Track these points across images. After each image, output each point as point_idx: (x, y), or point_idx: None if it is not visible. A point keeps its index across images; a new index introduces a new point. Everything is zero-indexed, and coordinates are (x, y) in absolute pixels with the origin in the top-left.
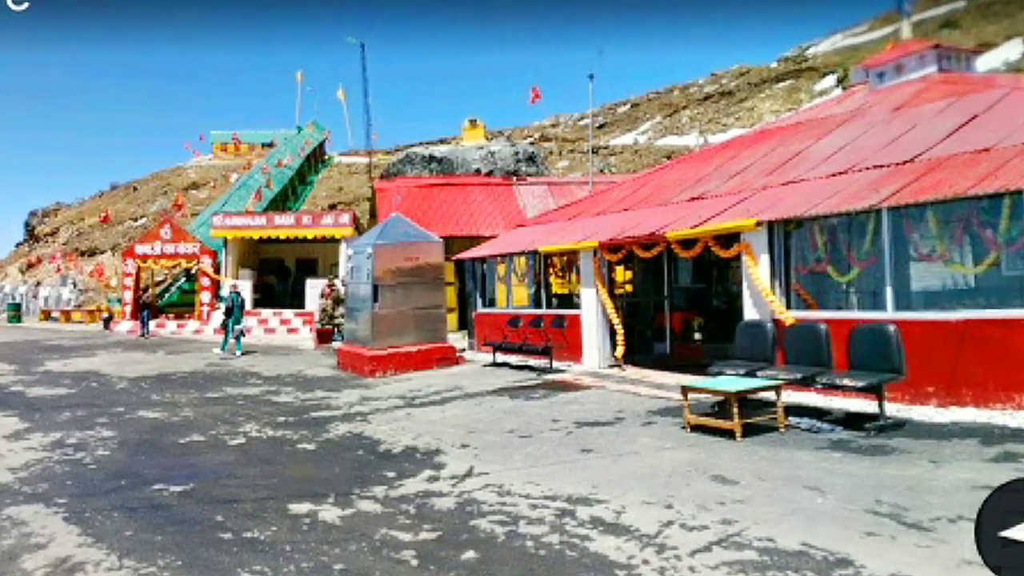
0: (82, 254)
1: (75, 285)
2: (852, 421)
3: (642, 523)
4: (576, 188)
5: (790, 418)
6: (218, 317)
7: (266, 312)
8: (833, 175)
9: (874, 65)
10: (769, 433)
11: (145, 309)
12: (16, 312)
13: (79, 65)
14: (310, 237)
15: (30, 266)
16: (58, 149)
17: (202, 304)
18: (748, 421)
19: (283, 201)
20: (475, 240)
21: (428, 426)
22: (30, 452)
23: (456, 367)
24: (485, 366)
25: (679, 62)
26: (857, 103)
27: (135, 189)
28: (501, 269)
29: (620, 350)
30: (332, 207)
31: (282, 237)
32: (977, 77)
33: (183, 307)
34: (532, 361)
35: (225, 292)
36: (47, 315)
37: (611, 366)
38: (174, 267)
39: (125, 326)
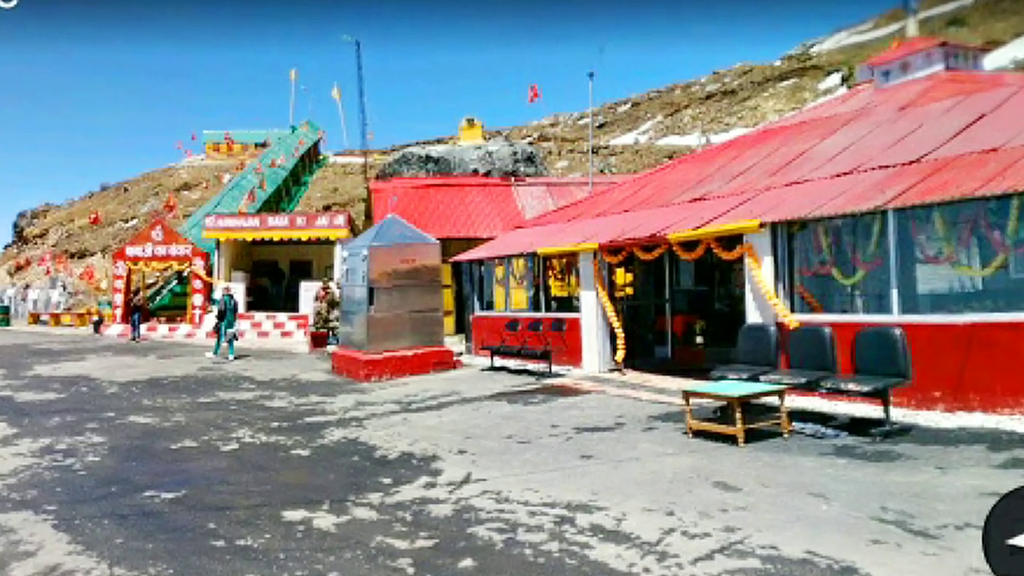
0: (72, 256)
1: (64, 288)
2: (857, 426)
3: (643, 530)
4: (575, 189)
5: (794, 423)
6: (210, 320)
7: (259, 315)
8: (838, 176)
9: (880, 63)
10: (773, 439)
11: (136, 312)
12: (4, 315)
13: (69, 63)
14: (304, 239)
15: (18, 268)
16: (47, 149)
17: (194, 307)
18: (751, 426)
19: (277, 202)
20: (473, 242)
21: (425, 432)
22: (19, 458)
23: (453, 371)
24: (483, 370)
25: (681, 60)
26: (862, 102)
27: (126, 190)
28: (499, 271)
29: (620, 354)
30: (327, 208)
31: (276, 239)
32: (985, 75)
33: (175, 310)
34: (531, 365)
35: (218, 295)
36: (36, 318)
37: (611, 370)
38: (165, 269)
39: (116, 329)
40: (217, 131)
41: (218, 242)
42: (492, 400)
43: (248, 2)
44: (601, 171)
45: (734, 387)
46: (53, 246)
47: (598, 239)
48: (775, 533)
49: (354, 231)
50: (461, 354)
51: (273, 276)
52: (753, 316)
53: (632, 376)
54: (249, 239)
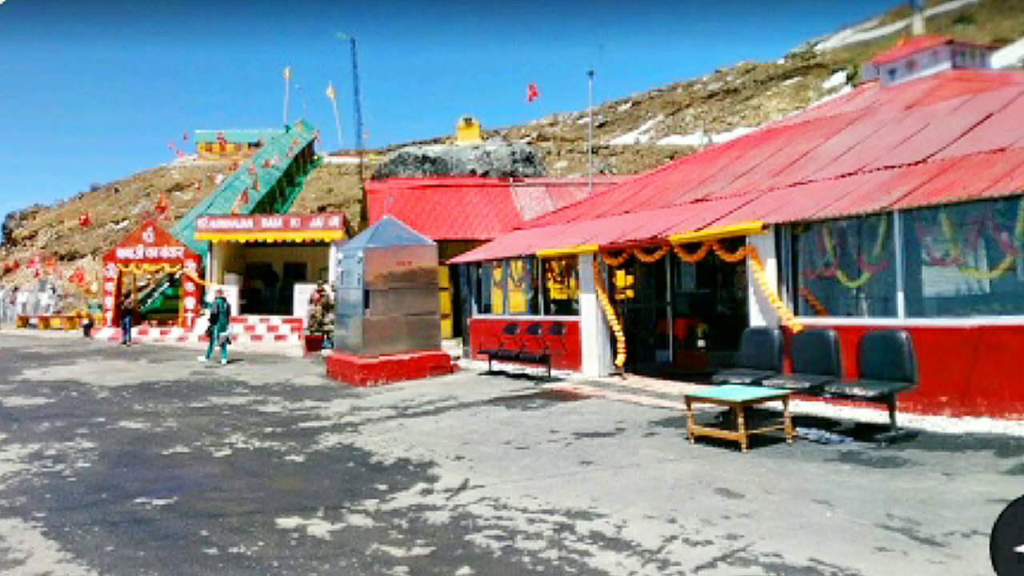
0: (61, 258)
1: (54, 290)
2: (862, 432)
3: (644, 538)
4: (575, 190)
5: (798, 429)
6: (203, 324)
7: (253, 319)
8: (842, 176)
9: (885, 62)
10: (776, 444)
11: (127, 315)
12: None
13: (57, 61)
14: (299, 241)
15: (7, 271)
16: (36, 149)
17: (186, 310)
18: (754, 432)
19: (270, 203)
20: (470, 244)
21: (421, 437)
22: (7, 464)
23: (450, 376)
24: (481, 375)
25: (682, 58)
26: (867, 101)
27: (116, 191)
28: (497, 274)
29: (621, 358)
30: (321, 209)
31: (269, 241)
32: (992, 74)
33: (166, 313)
34: (529, 370)
35: (210, 298)
36: (25, 322)
37: (612, 375)
38: (157, 272)
39: (106, 333)
40: (210, 131)
41: (211, 244)
42: (490, 405)
43: None
44: (601, 171)
45: (737, 392)
46: (42, 248)
47: (598, 241)
48: (778, 541)
49: (349, 233)
50: (458, 358)
51: (267, 278)
52: (756, 319)
53: (633, 380)
54: (242, 241)
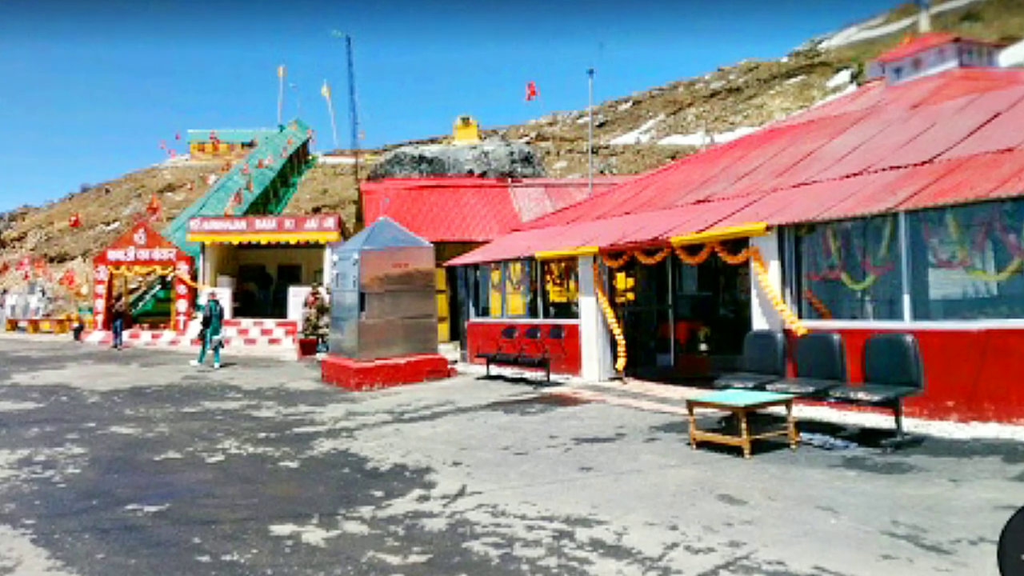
0: (51, 260)
1: (44, 293)
2: (867, 437)
3: (645, 545)
4: (575, 190)
5: (802, 434)
6: (195, 327)
7: (246, 322)
8: (847, 176)
9: (891, 60)
10: (779, 450)
11: (118, 318)
12: None
13: (47, 60)
14: (293, 242)
15: None
16: (25, 149)
17: (178, 313)
18: (757, 437)
19: (264, 204)
20: (468, 245)
21: (418, 443)
22: None
23: (448, 380)
24: (478, 379)
25: (684, 56)
26: (872, 100)
27: (107, 191)
28: (495, 276)
29: (621, 362)
30: (316, 210)
31: (263, 242)
32: (1000, 73)
33: (158, 316)
34: (528, 374)
35: (203, 300)
36: (14, 325)
37: (612, 379)
38: (148, 274)
39: (97, 336)
40: (202, 130)
41: (203, 245)
42: (488, 410)
43: None
44: (601, 172)
45: (739, 396)
46: (32, 250)
47: (598, 242)
48: (782, 548)
49: (344, 234)
50: (456, 362)
51: (260, 281)
52: (759, 322)
53: (633, 385)
54: (235, 242)
